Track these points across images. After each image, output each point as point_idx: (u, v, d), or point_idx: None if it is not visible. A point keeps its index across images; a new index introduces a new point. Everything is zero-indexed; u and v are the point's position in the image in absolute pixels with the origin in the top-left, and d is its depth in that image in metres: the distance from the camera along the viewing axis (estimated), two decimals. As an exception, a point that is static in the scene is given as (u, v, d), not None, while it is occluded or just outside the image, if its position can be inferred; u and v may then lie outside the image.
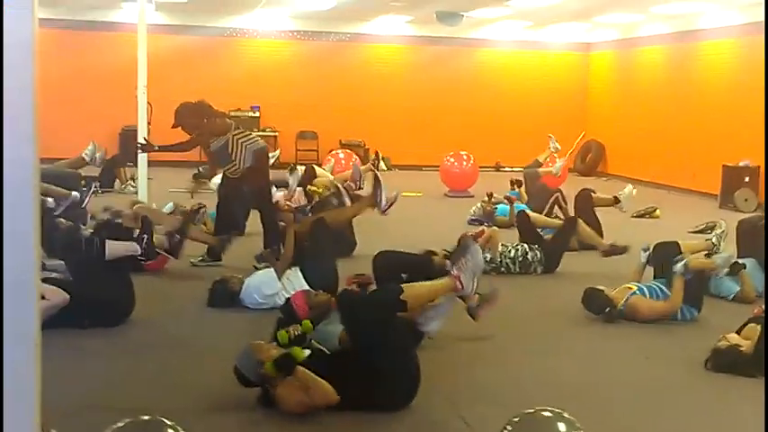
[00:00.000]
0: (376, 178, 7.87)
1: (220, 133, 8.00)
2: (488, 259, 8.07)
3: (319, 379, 4.29)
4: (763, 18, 11.68)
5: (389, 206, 7.92)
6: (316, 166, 10.62)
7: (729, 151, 13.95)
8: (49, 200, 8.86)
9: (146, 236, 6.52)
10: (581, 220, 8.74)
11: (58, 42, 16.43)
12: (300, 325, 4.58)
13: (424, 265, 5.83)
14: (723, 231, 7.29)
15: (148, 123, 11.31)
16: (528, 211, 8.88)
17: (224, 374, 4.52)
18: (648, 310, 6.41)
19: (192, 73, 17.25)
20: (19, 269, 1.70)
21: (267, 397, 4.42)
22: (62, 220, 8.73)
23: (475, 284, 4.70)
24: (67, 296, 5.64)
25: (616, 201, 9.79)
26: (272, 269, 6.61)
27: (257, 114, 17.88)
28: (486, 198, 11.48)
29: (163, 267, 7.48)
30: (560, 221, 9.00)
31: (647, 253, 7.00)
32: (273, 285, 6.39)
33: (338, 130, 18.01)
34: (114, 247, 6.12)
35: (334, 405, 4.28)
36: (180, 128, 8.12)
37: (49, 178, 9.32)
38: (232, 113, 17.39)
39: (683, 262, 6.42)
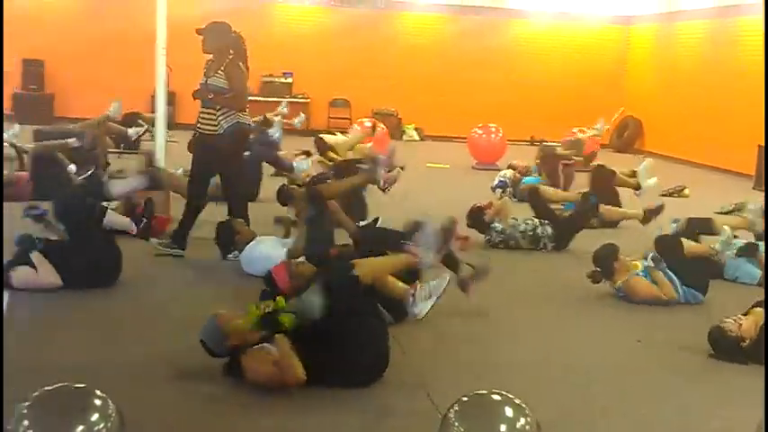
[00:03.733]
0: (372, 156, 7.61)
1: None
2: (499, 230, 7.91)
3: (294, 356, 4.19)
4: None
5: (390, 185, 7.63)
6: (324, 136, 10.46)
7: (768, 131, 13.50)
8: (72, 166, 9.00)
9: (145, 219, 6.74)
10: (601, 204, 8.57)
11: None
12: (275, 301, 4.48)
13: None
14: (760, 207, 7.01)
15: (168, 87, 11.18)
16: (539, 187, 8.69)
17: (196, 344, 4.43)
18: (644, 294, 6.23)
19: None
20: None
21: (233, 367, 4.33)
22: (78, 185, 8.78)
23: (432, 256, 4.73)
24: (60, 282, 5.68)
25: (638, 186, 9.58)
26: (278, 240, 6.51)
27: (290, 80, 17.78)
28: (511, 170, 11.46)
29: (164, 230, 7.38)
30: (575, 194, 8.79)
31: (677, 225, 6.83)
32: (276, 257, 6.21)
33: (371, 98, 17.82)
34: (112, 219, 6.19)
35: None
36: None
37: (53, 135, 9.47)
38: (264, 79, 17.36)
39: (657, 260, 6.22)
